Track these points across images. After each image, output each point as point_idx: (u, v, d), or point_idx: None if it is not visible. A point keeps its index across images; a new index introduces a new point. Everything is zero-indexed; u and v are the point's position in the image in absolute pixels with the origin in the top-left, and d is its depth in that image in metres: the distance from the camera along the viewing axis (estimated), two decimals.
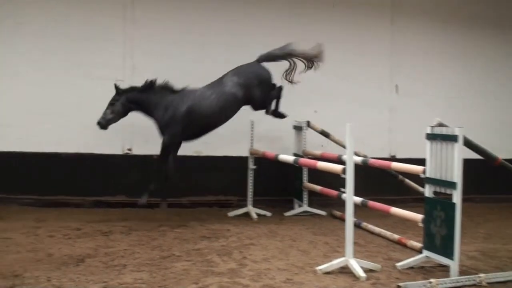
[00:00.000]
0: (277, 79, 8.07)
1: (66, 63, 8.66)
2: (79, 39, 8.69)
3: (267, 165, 8.33)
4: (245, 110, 8.12)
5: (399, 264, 5.65)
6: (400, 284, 5.01)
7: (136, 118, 8.03)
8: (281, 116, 8.18)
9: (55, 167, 8.56)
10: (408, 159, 7.35)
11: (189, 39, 9.06)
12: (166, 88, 7.78)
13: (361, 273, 5.23)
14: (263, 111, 8.10)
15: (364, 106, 9.68)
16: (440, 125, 5.46)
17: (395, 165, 6.49)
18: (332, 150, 8.47)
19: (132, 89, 7.77)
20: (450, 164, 5.25)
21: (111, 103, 7.66)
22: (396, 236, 6.80)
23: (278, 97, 8.10)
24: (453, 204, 5.18)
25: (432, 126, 5.51)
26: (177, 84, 7.87)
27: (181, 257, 5.85)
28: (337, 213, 8.34)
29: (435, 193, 5.55)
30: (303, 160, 7.46)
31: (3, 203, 8.22)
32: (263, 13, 9.38)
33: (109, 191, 8.68)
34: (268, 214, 8.46)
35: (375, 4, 9.91)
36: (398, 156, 9.71)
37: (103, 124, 7.58)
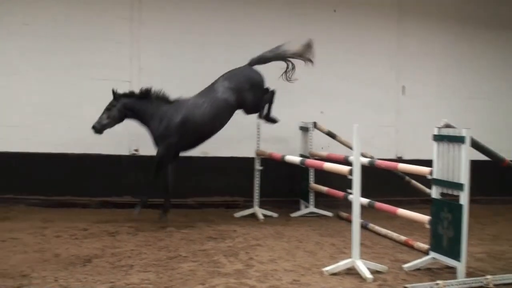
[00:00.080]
0: (270, 83, 8.04)
1: (80, 64, 8.71)
2: (85, 39, 8.71)
3: (274, 166, 8.34)
4: None
5: (406, 265, 5.64)
6: (407, 285, 5.01)
7: None
8: (273, 121, 8.13)
9: (62, 168, 8.58)
10: (415, 160, 7.32)
11: (189, 39, 9.07)
12: (162, 98, 7.74)
13: (367, 275, 5.22)
14: (255, 115, 8.09)
15: (371, 107, 9.68)
16: (447, 126, 5.45)
17: (402, 166, 6.47)
18: (337, 151, 8.45)
19: (130, 95, 7.74)
20: (457, 166, 5.24)
21: (108, 108, 7.62)
22: (403, 238, 6.78)
23: (270, 102, 8.03)
24: (460, 206, 5.17)
25: (439, 127, 5.50)
26: (179, 87, 7.90)
27: (188, 258, 5.86)
28: (344, 214, 8.34)
29: (442, 194, 5.53)
30: (310, 161, 7.46)
31: (10, 203, 8.26)
32: (263, 13, 9.38)
33: (116, 191, 8.70)
34: (275, 215, 8.46)
35: (381, 5, 9.90)
36: (405, 157, 9.70)
37: (98, 128, 7.55)
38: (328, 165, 6.15)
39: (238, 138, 8.79)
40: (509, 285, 5.19)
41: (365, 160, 6.55)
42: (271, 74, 7.98)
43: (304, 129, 8.87)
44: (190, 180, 8.71)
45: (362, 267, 5.31)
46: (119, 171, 8.76)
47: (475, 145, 5.44)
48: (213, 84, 7.86)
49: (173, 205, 7.99)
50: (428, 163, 5.71)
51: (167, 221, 7.65)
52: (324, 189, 8.24)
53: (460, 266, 5.18)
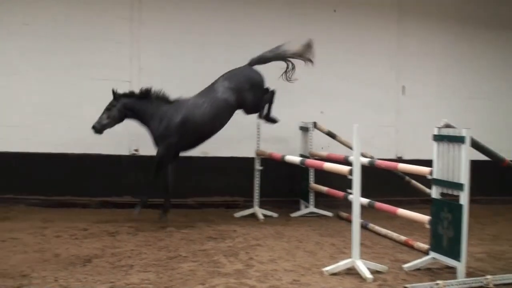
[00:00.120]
0: (271, 83, 8.05)
1: (80, 64, 8.72)
2: (85, 39, 8.72)
3: (274, 166, 8.34)
4: None
5: (406, 265, 5.64)
6: (407, 285, 5.01)
7: None
8: (273, 121, 8.13)
9: (62, 168, 8.59)
10: (415, 160, 7.32)
11: (189, 39, 9.07)
12: (162, 98, 7.74)
13: (367, 275, 5.22)
14: (255, 115, 8.10)
15: (371, 107, 9.69)
16: (447, 126, 5.45)
17: (402, 166, 6.47)
18: (337, 151, 8.45)
19: (130, 95, 7.74)
20: (457, 166, 5.24)
21: (108, 108, 7.62)
22: (403, 238, 6.79)
23: (270, 101, 8.03)
24: (460, 206, 5.17)
25: (439, 127, 5.50)
26: (179, 87, 7.90)
27: (188, 258, 5.86)
28: (344, 214, 8.34)
29: (442, 194, 5.53)
30: (310, 161, 7.46)
31: (10, 203, 8.27)
32: (263, 13, 9.38)
33: (116, 191, 8.71)
34: (275, 215, 8.46)
35: (381, 5, 9.90)
36: (405, 157, 9.70)
37: (98, 128, 7.55)
38: (328, 165, 6.15)
39: (238, 138, 8.79)
40: (509, 285, 5.19)
41: (365, 160, 6.55)
42: (271, 74, 7.98)
43: (304, 129, 8.87)
44: (190, 180, 8.71)
45: (362, 267, 5.31)
46: (119, 171, 8.77)
47: (475, 145, 5.44)
48: (213, 84, 7.86)
49: (173, 205, 7.99)
50: (428, 163, 5.71)
51: (167, 221, 7.65)
52: (324, 189, 8.24)
53: (460, 266, 5.18)
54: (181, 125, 7.61)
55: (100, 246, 6.23)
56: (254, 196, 8.45)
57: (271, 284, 5.03)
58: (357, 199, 5.37)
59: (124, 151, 8.85)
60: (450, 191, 5.39)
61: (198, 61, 8.97)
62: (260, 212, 8.34)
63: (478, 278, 5.20)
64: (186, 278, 5.14)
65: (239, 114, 8.03)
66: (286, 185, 9.10)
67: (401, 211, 6.29)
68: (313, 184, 8.60)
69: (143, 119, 7.75)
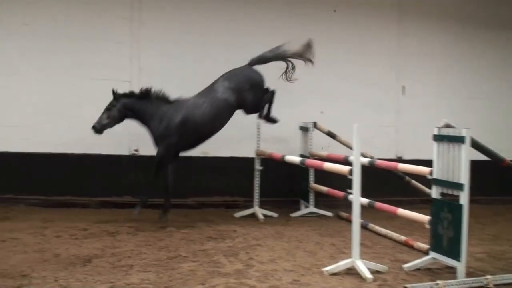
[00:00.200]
0: (271, 83, 8.04)
1: (80, 64, 8.71)
2: (85, 39, 8.72)
3: (274, 166, 8.34)
4: None
5: (406, 265, 5.64)
6: (407, 285, 5.01)
7: None
8: (273, 121, 8.13)
9: (62, 168, 8.59)
10: (415, 160, 7.33)
11: (189, 39, 9.08)
12: (162, 98, 7.73)
13: (367, 275, 5.22)
14: (255, 115, 8.09)
15: (371, 107, 9.69)
16: (447, 126, 5.45)
17: (402, 166, 6.47)
18: (337, 151, 8.45)
19: (130, 95, 7.74)
20: (457, 166, 5.24)
21: (108, 108, 7.61)
22: (403, 238, 6.79)
23: (270, 102, 8.03)
24: (460, 206, 5.17)
25: (439, 127, 5.50)
26: (179, 87, 7.91)
27: (188, 258, 5.86)
28: (344, 214, 8.34)
29: (442, 194, 5.53)
30: (310, 161, 7.46)
31: (10, 203, 8.27)
32: (263, 13, 9.38)
33: (116, 191, 8.71)
34: (275, 215, 8.46)
35: (381, 5, 9.90)
36: (405, 157, 9.70)
37: (98, 128, 7.54)
38: (328, 165, 6.15)
39: (238, 138, 8.79)
40: (509, 285, 5.19)
41: (365, 160, 6.55)
42: (271, 74, 7.98)
43: (304, 129, 8.87)
44: (190, 180, 8.71)
45: (362, 267, 5.31)
46: (119, 171, 8.77)
47: (475, 145, 5.44)
48: (213, 84, 7.86)
49: (173, 205, 7.99)
50: (428, 163, 5.71)
51: (167, 221, 7.65)
52: (324, 189, 8.24)
53: (460, 266, 5.18)
54: (181, 125, 7.61)
55: (100, 246, 6.23)
56: (254, 196, 8.45)
57: (271, 284, 5.03)
58: (357, 199, 5.37)
59: (124, 151, 8.85)
60: (450, 191, 5.39)
61: (198, 61, 8.97)
62: (260, 212, 8.34)
63: (478, 278, 5.20)
64: (186, 278, 5.14)
65: (239, 114, 8.03)
66: (286, 185, 9.10)
67: (401, 211, 6.29)
68: (313, 184, 8.60)
69: (143, 119, 7.75)
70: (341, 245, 6.59)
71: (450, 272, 5.40)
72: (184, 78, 8.68)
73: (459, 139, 5.22)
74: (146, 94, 7.68)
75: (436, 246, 5.49)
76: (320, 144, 9.05)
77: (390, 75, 9.98)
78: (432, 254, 5.57)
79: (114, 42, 8.83)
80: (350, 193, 5.54)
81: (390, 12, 9.96)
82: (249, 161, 8.54)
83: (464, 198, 5.16)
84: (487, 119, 10.12)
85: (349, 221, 7.09)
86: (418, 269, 5.59)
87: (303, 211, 8.70)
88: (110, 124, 7.64)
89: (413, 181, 8.07)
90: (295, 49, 7.93)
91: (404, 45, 10.01)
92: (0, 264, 5.42)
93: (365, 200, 6.44)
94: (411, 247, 6.49)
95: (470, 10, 10.34)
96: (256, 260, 5.82)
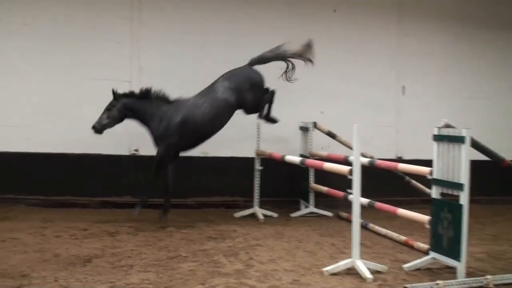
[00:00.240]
0: (271, 83, 8.04)
1: (80, 64, 8.71)
2: (85, 39, 8.72)
3: (274, 166, 8.34)
4: None
5: (406, 265, 5.64)
6: (407, 285, 5.01)
7: None
8: (273, 121, 8.13)
9: (62, 168, 8.59)
10: (415, 160, 7.32)
11: (189, 39, 9.08)
12: (162, 98, 7.73)
13: (367, 275, 5.22)
14: (255, 115, 8.09)
15: (371, 107, 9.69)
16: (447, 126, 5.45)
17: (402, 166, 6.47)
18: (337, 151, 8.45)
19: (130, 95, 7.74)
20: (457, 166, 5.24)
21: (108, 108, 7.61)
22: (403, 238, 6.79)
23: (270, 102, 8.03)
24: (460, 206, 5.17)
25: (439, 127, 5.50)
26: (179, 87, 7.91)
27: (188, 258, 5.86)
28: (344, 214, 8.34)
29: (442, 194, 5.53)
30: (310, 161, 7.46)
31: (10, 203, 8.27)
32: (263, 13, 9.38)
33: (116, 191, 8.71)
34: (275, 215, 8.46)
35: (381, 5, 9.90)
36: (405, 157, 9.70)
37: (98, 128, 7.54)
38: (328, 165, 6.15)
39: (238, 138, 8.79)
40: (509, 285, 5.19)
41: (365, 160, 6.55)
42: (271, 74, 7.98)
43: (304, 129, 8.87)
44: (190, 180, 8.71)
45: (362, 267, 5.31)
46: (119, 171, 8.77)
47: (475, 145, 5.44)
48: (213, 84, 7.86)
49: (173, 205, 7.99)
50: (428, 163, 5.71)
51: (167, 221, 7.65)
52: (324, 189, 8.24)
53: (460, 266, 5.18)
54: (181, 125, 7.61)
55: (100, 246, 6.23)
56: (254, 196, 8.45)
57: (271, 284, 5.03)
58: (357, 199, 5.37)
59: (124, 151, 8.85)
60: (450, 191, 5.39)
61: (198, 61, 8.97)
62: (260, 212, 8.34)
63: (478, 278, 5.20)
64: (186, 278, 5.14)
65: (239, 114, 8.03)
66: (286, 185, 9.10)
67: (401, 211, 6.29)
68: (313, 184, 8.60)
69: (143, 119, 7.75)
70: (341, 245, 6.59)
71: (450, 272, 5.40)
72: (184, 78, 8.68)
73: (459, 139, 5.22)
74: (146, 94, 7.68)
75: (436, 246, 5.49)
76: (320, 144, 9.05)
77: (390, 75, 9.98)
78: (432, 254, 5.57)
79: (114, 42, 8.83)
80: (350, 193, 5.54)
81: (390, 12, 9.96)
82: (249, 161, 8.54)
83: (464, 198, 5.16)
84: (487, 119, 10.12)
85: (349, 221, 7.09)
86: (418, 269, 5.59)
87: (303, 211, 8.70)
88: (110, 124, 7.64)
89: (413, 181, 8.06)
90: (295, 49, 7.93)
91: (404, 45, 10.01)
92: (0, 264, 5.42)
93: (365, 200, 6.44)
94: (411, 247, 6.49)
95: (470, 10, 10.34)
96: (256, 260, 5.82)
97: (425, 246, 6.10)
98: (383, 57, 9.93)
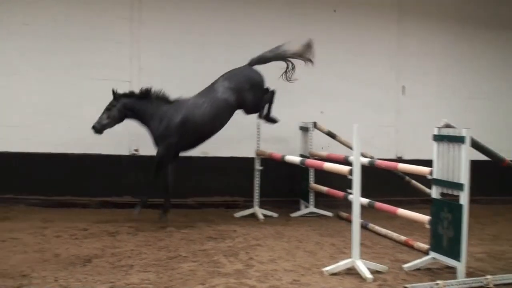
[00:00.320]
0: (271, 83, 8.04)
1: (80, 64, 8.71)
2: (85, 39, 8.71)
3: (274, 166, 8.34)
4: None
5: (406, 265, 5.64)
6: (407, 285, 5.01)
7: None
8: (273, 121, 8.13)
9: (62, 168, 8.59)
10: (415, 160, 7.32)
11: (189, 39, 9.08)
12: (162, 98, 7.73)
13: (367, 275, 5.22)
14: (255, 115, 8.09)
15: (371, 107, 9.69)
16: (447, 126, 5.45)
17: (402, 166, 6.47)
18: (337, 151, 8.45)
19: (130, 95, 7.73)
20: (457, 166, 5.24)
21: (108, 108, 7.61)
22: (403, 238, 6.78)
23: (270, 101, 8.03)
24: (460, 206, 5.17)
25: (439, 127, 5.50)
26: (179, 87, 7.91)
27: (188, 258, 5.86)
28: (344, 214, 8.33)
29: (442, 194, 5.53)
30: (310, 161, 7.46)
31: (10, 203, 8.27)
32: (263, 13, 9.38)
33: (116, 191, 8.71)
34: (275, 215, 8.46)
35: (381, 5, 9.90)
36: (405, 157, 9.70)
37: (98, 128, 7.54)
38: (328, 165, 6.15)
39: (238, 138, 8.79)
40: (509, 285, 5.19)
41: (365, 160, 6.55)
42: (271, 74, 7.98)
43: (304, 129, 8.87)
44: (190, 180, 8.71)
45: (362, 267, 5.31)
46: (119, 171, 8.76)
47: (475, 145, 5.44)
48: (213, 84, 7.86)
49: (173, 205, 7.99)
50: (428, 163, 5.71)
51: (167, 221, 7.65)
52: (324, 189, 8.24)
53: (460, 266, 5.18)
54: (181, 125, 7.61)
55: (100, 246, 6.23)
56: (254, 196, 8.45)
57: (271, 284, 5.03)
58: (357, 199, 5.37)
59: (124, 151, 8.85)
60: (450, 191, 5.38)
61: (198, 61, 8.97)
62: (260, 212, 8.34)
63: (478, 278, 5.20)
64: (186, 278, 5.14)
65: (239, 114, 8.03)
66: (286, 185, 9.10)
67: (401, 211, 6.29)
68: (313, 184, 8.60)
69: (143, 119, 7.75)
70: (341, 245, 6.59)
71: (450, 272, 5.40)
72: (184, 78, 8.68)
73: (459, 139, 5.22)
74: (146, 94, 7.68)
75: (436, 246, 5.49)
76: (320, 144, 9.05)
77: (390, 75, 9.98)
78: (432, 254, 5.57)
79: (114, 42, 8.83)
80: (350, 193, 5.54)
81: (390, 12, 9.96)
82: (249, 161, 8.53)
83: (464, 198, 5.16)
84: (487, 119, 10.12)
85: (349, 221, 7.09)
86: (418, 269, 5.59)
87: (303, 211, 8.69)
88: (110, 124, 7.64)
89: (413, 181, 8.06)
90: (295, 49, 7.93)
91: (404, 45, 10.01)
92: (0, 264, 5.42)
93: (365, 200, 6.44)
94: (411, 247, 6.49)
95: (470, 10, 10.34)
96: (256, 260, 5.82)
97: (425, 246, 6.10)
98: (383, 57, 9.93)
